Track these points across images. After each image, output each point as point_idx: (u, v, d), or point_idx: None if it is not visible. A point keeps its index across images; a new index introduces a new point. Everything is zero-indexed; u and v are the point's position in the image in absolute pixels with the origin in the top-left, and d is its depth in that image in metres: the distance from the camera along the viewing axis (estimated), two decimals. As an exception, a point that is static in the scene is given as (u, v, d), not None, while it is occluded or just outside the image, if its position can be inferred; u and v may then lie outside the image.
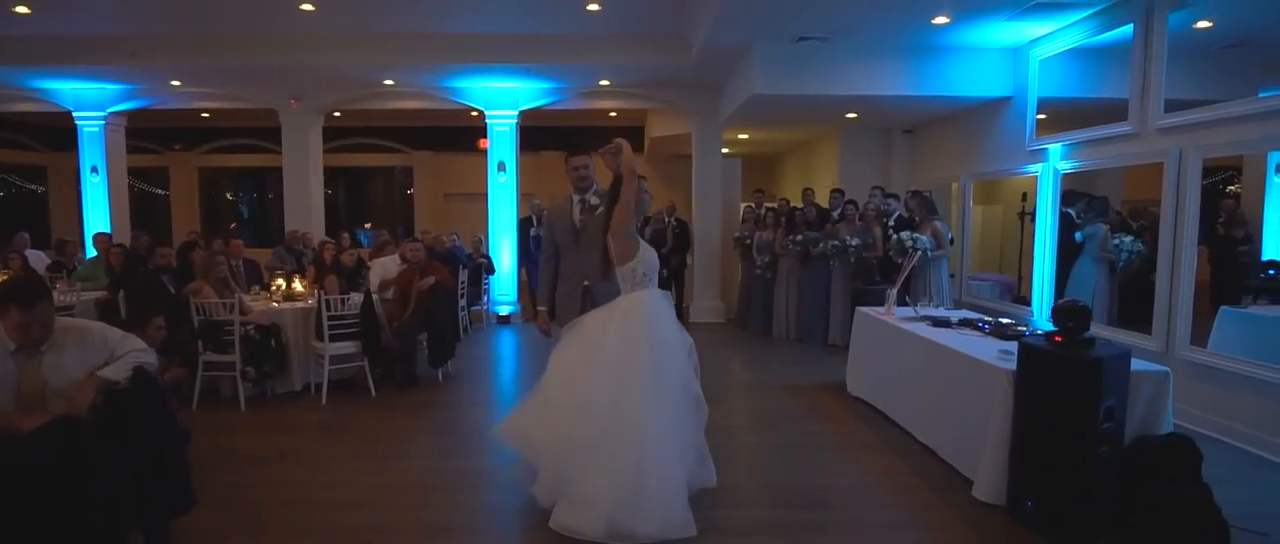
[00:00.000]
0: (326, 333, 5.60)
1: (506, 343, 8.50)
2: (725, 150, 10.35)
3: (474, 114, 12.04)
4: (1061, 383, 3.36)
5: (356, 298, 5.86)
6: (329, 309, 5.61)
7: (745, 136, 11.13)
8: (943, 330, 4.81)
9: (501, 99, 9.44)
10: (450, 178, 14.51)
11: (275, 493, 3.80)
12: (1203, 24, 5.39)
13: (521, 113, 9.58)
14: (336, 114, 10.42)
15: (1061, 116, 6.89)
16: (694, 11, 7.18)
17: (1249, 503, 3.51)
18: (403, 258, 7.42)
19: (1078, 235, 6.95)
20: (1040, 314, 6.69)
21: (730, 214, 10.14)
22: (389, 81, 9.13)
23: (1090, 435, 3.28)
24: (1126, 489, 3.38)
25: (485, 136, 14.11)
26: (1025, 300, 7.64)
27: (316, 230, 9.47)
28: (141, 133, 12.37)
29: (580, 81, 9.19)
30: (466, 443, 4.79)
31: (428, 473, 4.17)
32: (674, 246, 9.52)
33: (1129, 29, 5.52)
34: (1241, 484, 3.95)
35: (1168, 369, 3.74)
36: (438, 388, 6.19)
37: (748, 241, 8.82)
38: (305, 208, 9.59)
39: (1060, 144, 6.45)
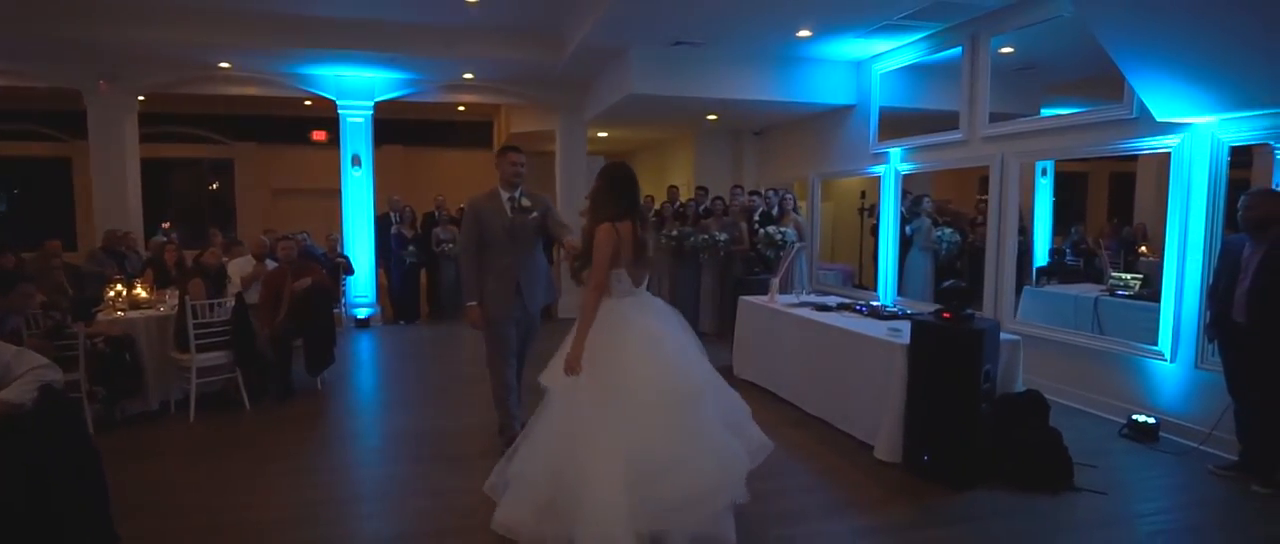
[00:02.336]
0: (193, 343, 5.03)
1: (371, 347, 8.05)
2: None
3: (308, 103, 11.25)
4: (950, 353, 3.94)
5: (226, 303, 5.31)
6: (196, 316, 5.04)
7: (604, 135, 11.37)
8: (827, 314, 5.34)
9: (356, 88, 8.88)
10: (279, 172, 13.33)
11: (191, 520, 3.41)
12: (1006, 49, 6.42)
13: (377, 104, 9.07)
14: (140, 98, 9.18)
15: (895, 124, 7.85)
16: (574, 10, 7.27)
17: (1072, 443, 4.28)
18: (254, 255, 6.83)
19: (907, 229, 7.96)
20: (886, 297, 7.57)
21: (594, 211, 10.32)
22: (225, 64, 8.24)
23: (974, 395, 3.89)
24: (997, 438, 4.03)
25: (320, 128, 13.19)
26: (864, 286, 8.61)
27: (133, 230, 8.32)
28: None
29: (444, 74, 8.90)
30: (380, 449, 4.57)
31: (354, 483, 3.95)
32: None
33: (958, 51, 6.45)
34: (1061, 429, 4.82)
35: (1019, 337, 4.50)
36: (319, 397, 5.78)
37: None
38: (119, 205, 8.36)
39: (900, 148, 7.36)
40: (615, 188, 3.29)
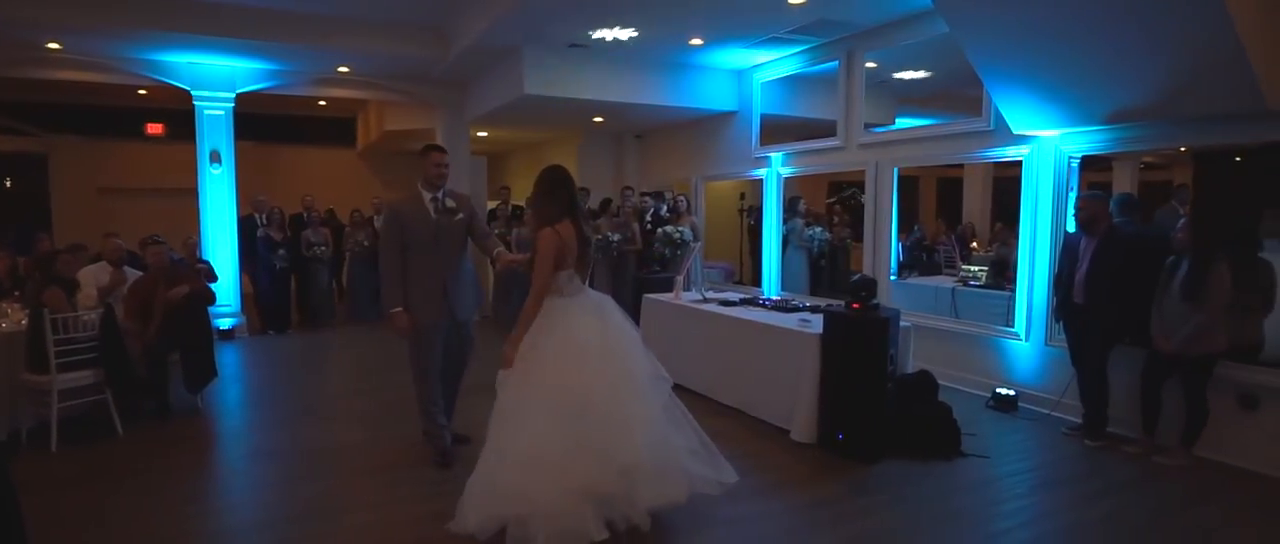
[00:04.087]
0: (54, 362, 4.43)
1: (244, 360, 7.41)
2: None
3: (142, 92, 10.19)
4: (861, 339, 4.34)
5: (90, 316, 4.72)
6: (56, 331, 4.45)
7: (484, 135, 11.15)
8: (735, 309, 5.66)
9: (215, 78, 8.12)
10: (107, 169, 11.82)
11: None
12: (870, 64, 7.08)
13: (238, 95, 8.35)
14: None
15: (772, 130, 8.39)
16: (464, 7, 7.12)
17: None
18: (110, 261, 6.09)
19: (784, 229, 8.55)
20: (769, 291, 8.07)
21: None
22: (54, 45, 7.24)
23: (882, 377, 4.31)
24: (899, 414, 4.49)
25: (157, 120, 11.88)
26: (743, 282, 9.11)
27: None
28: None
29: (316, 66, 8.36)
30: (296, 467, 4.26)
31: (278, 503, 3.68)
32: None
33: (835, 64, 7.03)
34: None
35: (911, 324, 5.02)
36: (201, 416, 5.28)
37: (508, 238, 8.95)
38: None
39: (781, 153, 7.88)
40: (553, 191, 3.41)
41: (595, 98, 7.80)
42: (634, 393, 3.30)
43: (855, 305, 4.43)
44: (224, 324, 8.27)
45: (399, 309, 4.02)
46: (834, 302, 6.84)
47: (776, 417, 4.90)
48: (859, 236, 9.65)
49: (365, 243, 9.29)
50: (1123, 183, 6.23)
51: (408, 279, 4.07)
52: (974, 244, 9.14)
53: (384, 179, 13.51)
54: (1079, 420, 4.85)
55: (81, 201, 11.54)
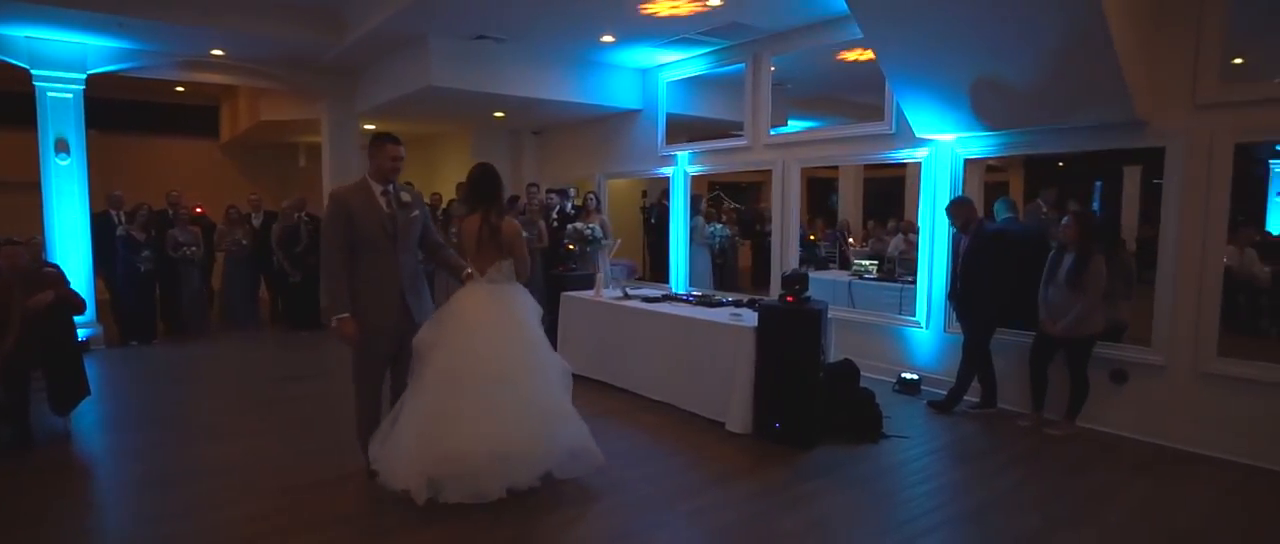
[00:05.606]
0: (-112, 385, 3.74)
1: (107, 375, 6.56)
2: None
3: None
4: (794, 331, 4.53)
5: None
6: (-109, 350, 3.76)
7: (370, 127, 10.52)
8: (661, 305, 5.72)
9: (62, 57, 7.14)
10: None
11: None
12: (771, 68, 7.39)
13: (90, 78, 7.40)
14: None
15: (674, 129, 8.54)
16: (366, -9, 6.73)
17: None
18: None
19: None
20: (678, 286, 8.21)
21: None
22: None
23: (815, 367, 4.52)
24: (828, 401, 4.73)
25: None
26: (647, 279, 9.23)
27: None
28: None
29: (185, 47, 7.55)
30: (209, 490, 3.83)
31: (203, 532, 3.30)
32: (309, 245, 8.61)
33: (741, 67, 7.26)
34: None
35: (832, 316, 5.29)
36: (72, 441, 4.66)
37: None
38: None
39: (688, 151, 8.04)
40: (470, 188, 3.80)
41: (501, 91, 7.59)
42: (534, 368, 3.69)
43: (789, 298, 4.60)
44: (77, 334, 7.28)
45: (346, 316, 3.67)
46: (742, 295, 7.09)
47: (710, 409, 4.99)
48: (745, 235, 10.11)
49: (243, 242, 8.53)
50: (971, 184, 6.91)
51: (356, 281, 3.72)
52: (851, 240, 9.78)
53: (252, 175, 12.43)
54: (977, 400, 5.32)
55: None
